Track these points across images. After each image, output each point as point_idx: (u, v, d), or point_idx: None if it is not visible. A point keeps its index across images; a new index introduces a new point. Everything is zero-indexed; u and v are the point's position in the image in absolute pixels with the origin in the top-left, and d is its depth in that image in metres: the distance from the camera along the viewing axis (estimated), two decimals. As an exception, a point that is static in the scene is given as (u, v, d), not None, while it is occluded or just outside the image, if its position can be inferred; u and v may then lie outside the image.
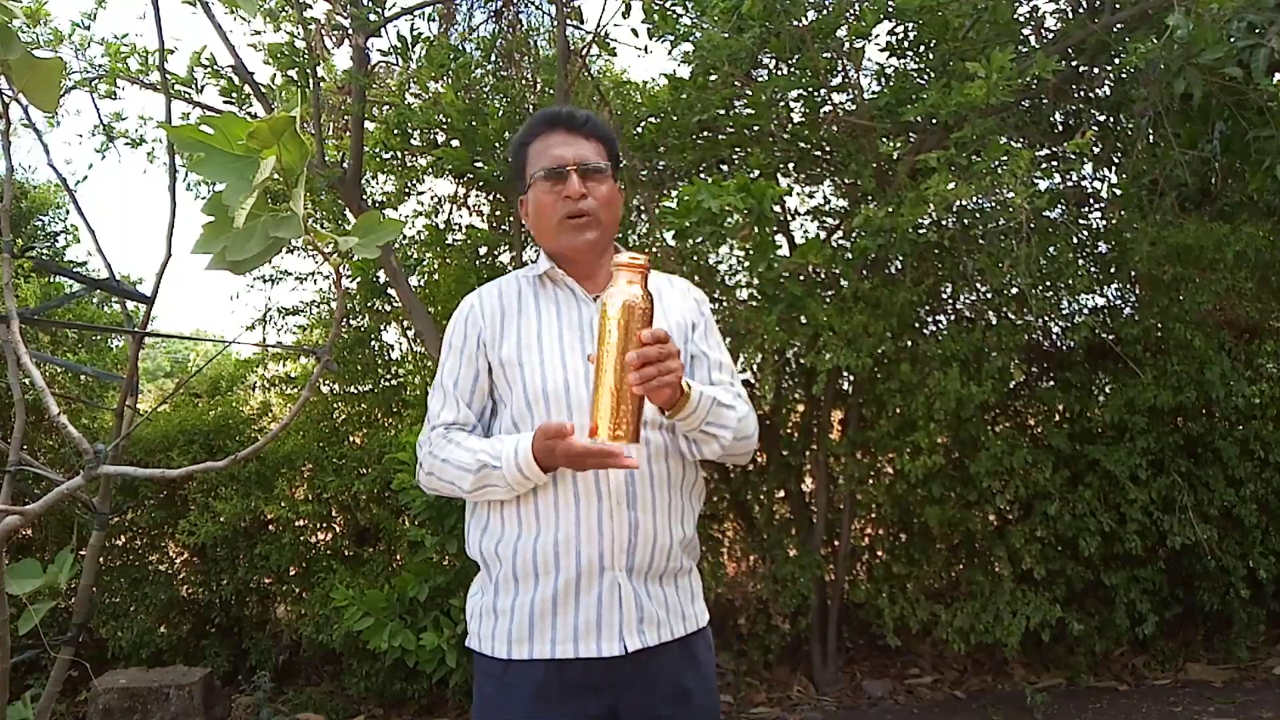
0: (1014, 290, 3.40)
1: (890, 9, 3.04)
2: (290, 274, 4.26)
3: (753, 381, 3.56)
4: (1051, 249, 3.40)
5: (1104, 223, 3.80)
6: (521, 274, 1.52)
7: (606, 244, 1.49)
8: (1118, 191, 3.67)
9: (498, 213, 4.16)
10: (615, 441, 1.22)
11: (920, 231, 3.16)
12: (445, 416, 1.45)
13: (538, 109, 3.83)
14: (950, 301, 3.81)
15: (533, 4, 4.03)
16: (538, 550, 1.36)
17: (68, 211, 5.17)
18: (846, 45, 3.18)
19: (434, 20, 3.96)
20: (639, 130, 3.51)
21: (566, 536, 1.35)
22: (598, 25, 3.69)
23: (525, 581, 1.38)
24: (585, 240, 1.44)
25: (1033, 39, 3.43)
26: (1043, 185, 3.29)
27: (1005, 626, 3.31)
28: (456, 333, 1.47)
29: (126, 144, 4.06)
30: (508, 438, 1.36)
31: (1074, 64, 3.44)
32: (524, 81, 3.97)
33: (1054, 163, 3.63)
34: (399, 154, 4.04)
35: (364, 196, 3.70)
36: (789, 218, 3.87)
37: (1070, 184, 3.72)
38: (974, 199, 3.11)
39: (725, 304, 3.37)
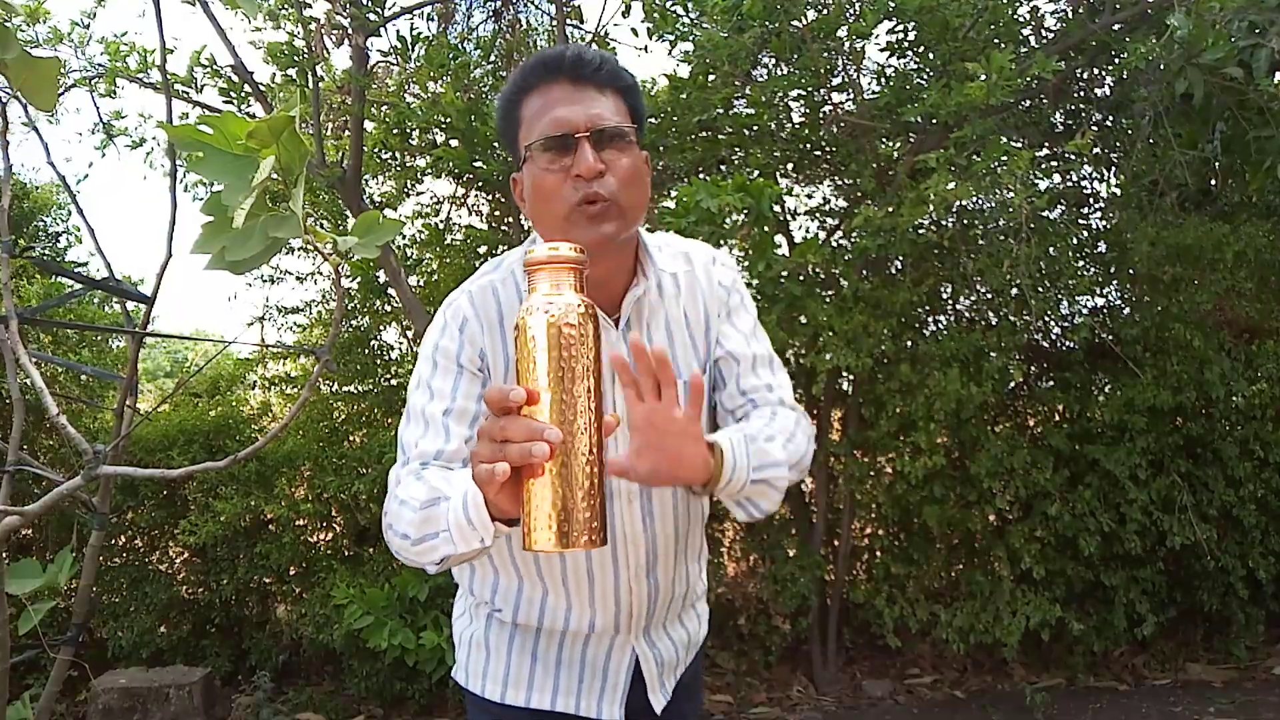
0: (1014, 291, 3.39)
1: (890, 9, 3.04)
2: (290, 274, 4.26)
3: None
4: (1051, 249, 3.40)
5: (1104, 223, 3.80)
6: (521, 274, 1.14)
7: (631, 237, 1.13)
8: (1117, 192, 3.68)
9: (497, 213, 4.15)
10: (570, 549, 0.80)
11: (920, 232, 3.16)
12: (426, 445, 1.07)
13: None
14: (950, 302, 3.81)
15: (533, 4, 4.03)
16: (545, 610, 1.19)
17: (69, 213, 5.17)
18: (847, 45, 3.18)
19: (434, 20, 3.96)
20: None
21: (580, 611, 1.18)
22: (598, 25, 3.68)
23: (525, 630, 1.22)
24: (602, 235, 1.06)
25: (1033, 39, 3.43)
26: (1042, 185, 3.30)
27: (1005, 626, 3.31)
28: (450, 339, 1.13)
29: (127, 144, 4.06)
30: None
31: (1074, 64, 3.44)
32: (524, 81, 3.96)
33: (1054, 163, 3.63)
34: (399, 154, 4.03)
35: (364, 196, 3.70)
36: (789, 218, 3.87)
37: (1070, 184, 3.72)
38: (974, 199, 3.11)
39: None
